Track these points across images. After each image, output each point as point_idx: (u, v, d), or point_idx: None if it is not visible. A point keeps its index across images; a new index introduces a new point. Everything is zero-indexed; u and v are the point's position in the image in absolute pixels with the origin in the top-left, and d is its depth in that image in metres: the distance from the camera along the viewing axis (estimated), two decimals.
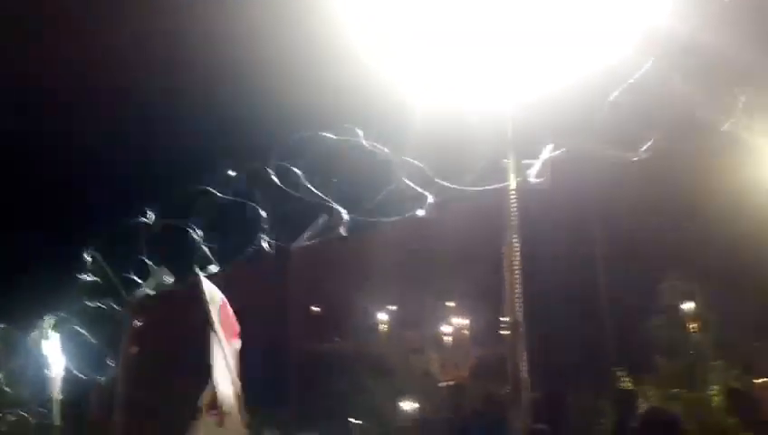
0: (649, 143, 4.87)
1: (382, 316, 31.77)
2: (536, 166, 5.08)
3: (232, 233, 6.66)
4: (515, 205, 6.70)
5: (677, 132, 5.68)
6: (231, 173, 6.32)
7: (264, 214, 6.36)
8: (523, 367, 6.31)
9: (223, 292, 6.47)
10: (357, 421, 24.67)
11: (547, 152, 5.07)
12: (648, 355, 17.23)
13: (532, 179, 5.15)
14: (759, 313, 16.59)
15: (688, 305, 18.29)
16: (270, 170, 5.99)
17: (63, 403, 11.12)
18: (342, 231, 6.08)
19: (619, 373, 16.15)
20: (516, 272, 6.56)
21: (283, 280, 6.67)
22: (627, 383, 15.35)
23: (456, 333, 31.78)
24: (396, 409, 25.41)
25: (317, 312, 25.19)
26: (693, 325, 17.67)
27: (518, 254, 6.59)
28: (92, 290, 7.77)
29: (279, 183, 6.00)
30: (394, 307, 31.31)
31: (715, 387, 16.46)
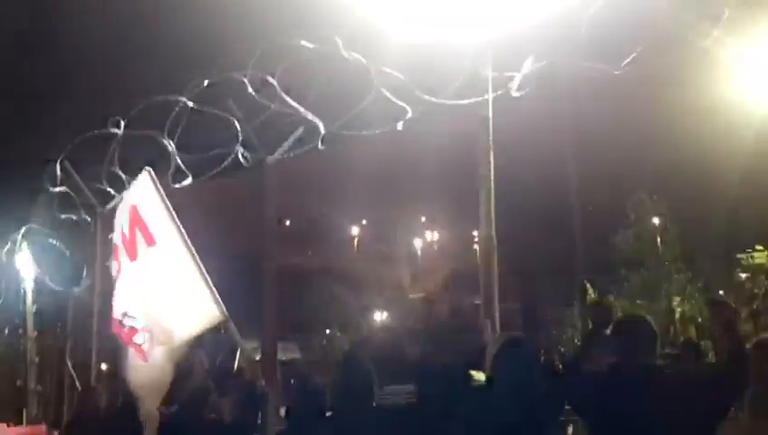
0: (631, 57, 4.83)
1: (354, 230, 32.06)
2: (517, 78, 5.02)
3: (207, 145, 6.54)
4: (491, 120, 6.68)
5: (657, 48, 5.64)
6: (206, 83, 6.14)
7: (239, 126, 6.24)
8: (495, 279, 6.46)
9: (197, 205, 6.42)
10: (329, 331, 25.30)
11: (528, 65, 5.00)
12: (614, 268, 17.77)
13: (514, 92, 5.10)
14: (722, 227, 17.07)
15: (655, 220, 18.74)
16: (246, 80, 5.83)
17: (38, 314, 11.17)
18: (319, 144, 6.01)
19: (587, 286, 16.66)
20: (491, 186, 6.62)
21: (258, 193, 6.60)
22: (593, 296, 15.86)
23: (428, 247, 32.30)
24: (368, 320, 26.06)
25: (289, 226, 25.32)
26: (658, 239, 18.16)
27: (492, 168, 6.62)
28: (64, 202, 7.65)
29: (255, 94, 5.85)
30: (366, 221, 31.58)
31: (676, 299, 17.11)
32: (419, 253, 32.87)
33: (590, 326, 3.71)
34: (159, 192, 4.90)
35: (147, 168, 5.08)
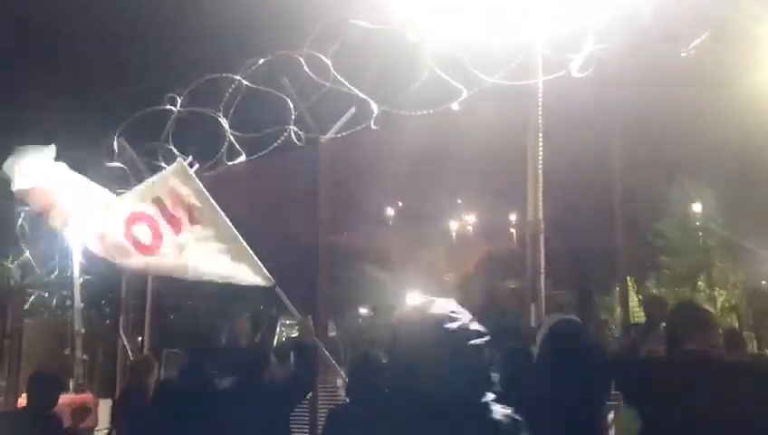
0: (698, 40, 4.75)
1: (390, 211, 32.10)
2: (578, 59, 4.97)
3: (260, 123, 6.63)
4: (541, 104, 6.66)
5: (713, 34, 5.53)
6: (261, 61, 6.20)
7: (292, 105, 6.30)
8: (541, 264, 6.47)
9: (248, 183, 6.53)
10: (365, 310, 25.47)
11: (589, 46, 4.95)
12: (655, 256, 17.55)
13: (575, 72, 5.05)
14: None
15: (697, 208, 18.44)
16: (302, 59, 5.88)
17: (86, 286, 11.46)
18: (372, 124, 6.05)
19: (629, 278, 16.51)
20: (539, 169, 6.60)
21: (309, 173, 6.67)
22: (634, 286, 15.69)
23: (463, 229, 32.20)
24: (402, 300, 26.13)
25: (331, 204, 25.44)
26: (701, 228, 17.90)
27: (541, 152, 6.60)
28: (119, 177, 7.81)
29: (310, 73, 5.90)
30: (401, 203, 31.59)
31: (719, 289, 16.88)
32: (455, 235, 32.83)
33: (646, 319, 3.73)
34: (195, 181, 5.08)
35: (179, 159, 5.29)
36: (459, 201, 32.43)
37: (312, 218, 6.85)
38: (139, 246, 5.23)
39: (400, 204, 31.98)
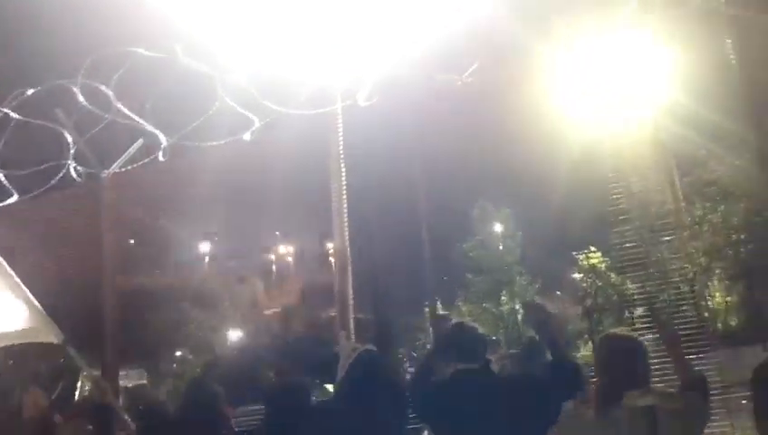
0: (472, 69, 4.99)
1: (204, 246, 31.00)
2: (364, 88, 5.03)
3: (33, 159, 5.97)
4: (341, 131, 6.69)
5: (496, 58, 5.88)
6: (30, 92, 5.61)
7: (70, 138, 5.76)
8: (349, 291, 6.44)
9: (24, 224, 5.87)
10: (180, 354, 24.20)
11: (373, 75, 5.02)
12: (461, 274, 18.51)
13: (362, 102, 5.09)
14: (559, 234, 18.25)
15: (498, 227, 19.75)
16: (76, 90, 5.39)
17: None
18: (161, 156, 5.68)
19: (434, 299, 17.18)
20: (343, 197, 6.61)
21: (95, 210, 6.12)
22: (439, 308, 16.36)
23: (283, 261, 31.91)
24: (222, 339, 25.20)
25: (132, 244, 23.97)
26: (501, 246, 19.14)
27: (344, 179, 6.63)
28: None
29: (86, 104, 5.42)
30: (216, 237, 30.65)
31: (518, 301, 18.11)
32: (274, 267, 32.42)
33: (433, 339, 3.80)
34: None
35: None
36: (277, 233, 32.17)
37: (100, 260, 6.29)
38: None
39: (216, 238, 31.04)
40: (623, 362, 2.99)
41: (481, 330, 3.60)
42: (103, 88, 5.47)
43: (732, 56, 6.40)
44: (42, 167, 5.80)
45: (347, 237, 6.58)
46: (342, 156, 6.67)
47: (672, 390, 3.12)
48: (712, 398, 2.81)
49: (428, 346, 3.77)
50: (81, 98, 5.41)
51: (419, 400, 3.42)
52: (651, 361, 3.18)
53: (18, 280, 4.55)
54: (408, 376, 3.96)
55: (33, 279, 4.91)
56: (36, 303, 4.60)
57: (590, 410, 3.14)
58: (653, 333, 3.52)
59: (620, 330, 3.29)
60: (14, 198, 6.04)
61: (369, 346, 4.04)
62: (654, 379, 4.03)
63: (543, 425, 3.21)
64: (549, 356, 3.40)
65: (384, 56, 5.06)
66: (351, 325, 6.30)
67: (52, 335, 4.57)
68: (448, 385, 3.29)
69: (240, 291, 28.66)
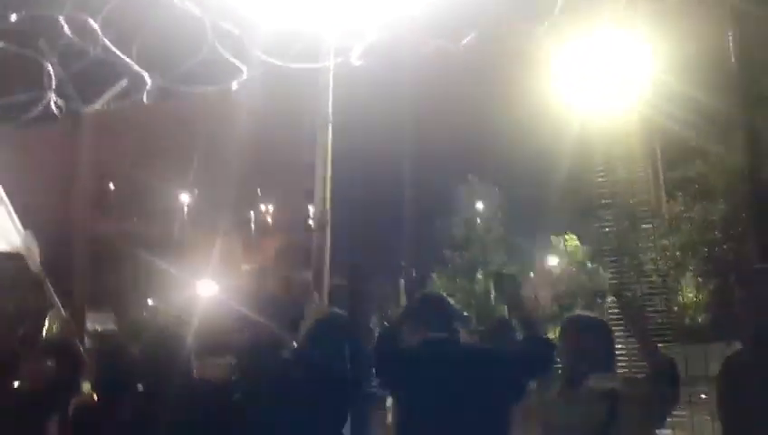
0: (469, 37, 4.91)
1: (184, 197, 30.74)
2: (359, 46, 4.93)
3: (12, 88, 5.81)
4: (331, 89, 6.57)
5: (494, 32, 5.80)
6: (13, 17, 5.42)
7: (51, 69, 5.60)
8: (327, 254, 6.40)
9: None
10: (152, 303, 24.12)
11: (371, 34, 4.93)
12: (439, 249, 18.57)
13: (355, 60, 5.00)
14: (540, 218, 18.33)
15: (481, 205, 19.76)
16: (62, 20, 5.23)
17: None
18: (144, 98, 5.56)
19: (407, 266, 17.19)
20: (328, 159, 6.53)
21: (73, 148, 5.97)
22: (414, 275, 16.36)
23: (262, 220, 31.78)
24: (195, 292, 25.12)
25: (110, 188, 23.73)
26: (483, 223, 19.17)
27: (330, 141, 6.54)
28: None
29: (73, 36, 5.27)
30: (196, 190, 30.40)
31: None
32: (253, 225, 32.28)
33: (404, 306, 3.78)
34: None
35: None
36: (258, 190, 31.97)
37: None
38: None
39: (196, 191, 30.78)
40: (587, 344, 2.99)
41: (452, 302, 3.60)
42: (91, 21, 5.32)
43: (727, 47, 6.38)
44: (21, 97, 5.66)
45: (328, 201, 6.52)
46: (330, 116, 6.57)
47: (639, 375, 3.14)
48: (679, 383, 2.82)
49: (397, 313, 3.74)
50: (67, 30, 5.26)
51: (384, 364, 3.41)
52: (618, 346, 3.19)
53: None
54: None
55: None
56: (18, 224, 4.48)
57: (553, 391, 3.14)
58: (622, 322, 3.51)
59: (586, 312, 3.28)
60: None
61: (337, 309, 4.03)
62: (622, 365, 4.06)
63: (508, 399, 3.22)
64: (518, 334, 3.39)
65: (381, 16, 4.96)
66: (326, 290, 6.28)
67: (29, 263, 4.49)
68: (415, 352, 3.28)
69: (216, 245, 28.54)
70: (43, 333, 5.00)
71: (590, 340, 3.02)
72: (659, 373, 2.81)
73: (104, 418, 3.51)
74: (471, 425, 3.08)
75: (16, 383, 4.08)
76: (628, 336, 3.89)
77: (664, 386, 2.81)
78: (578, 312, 3.33)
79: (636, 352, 3.17)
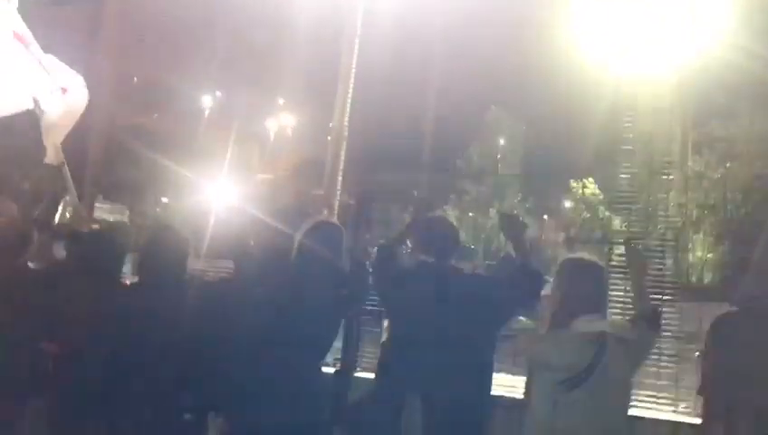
0: None
1: (206, 100, 30.58)
2: None
3: None
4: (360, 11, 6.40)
5: None
6: None
7: None
8: (339, 169, 6.37)
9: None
10: (165, 199, 24.40)
11: None
12: (454, 181, 18.46)
13: None
14: (561, 160, 18.09)
15: (502, 140, 19.53)
16: None
17: None
18: None
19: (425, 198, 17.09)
20: (351, 73, 6.41)
21: (95, 32, 5.84)
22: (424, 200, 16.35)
23: (282, 131, 31.65)
24: (208, 194, 25.31)
25: (134, 81, 23.60)
26: (501, 158, 19.03)
27: (355, 56, 6.41)
28: None
29: None
30: (219, 93, 30.19)
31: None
32: (272, 135, 32.19)
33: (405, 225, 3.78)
34: None
35: None
36: (281, 101, 31.70)
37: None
38: None
39: (218, 93, 30.58)
40: (580, 284, 2.99)
41: (454, 229, 3.59)
42: None
43: None
44: None
45: (347, 117, 6.44)
46: (358, 32, 6.42)
47: (626, 319, 3.15)
48: (660, 331, 2.86)
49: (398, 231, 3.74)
50: None
51: (378, 280, 3.44)
52: (610, 289, 3.20)
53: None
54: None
55: None
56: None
57: (541, 330, 3.17)
58: (625, 269, 3.50)
59: (583, 254, 3.26)
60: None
61: (334, 220, 4.04)
62: (616, 310, 4.08)
63: (492, 324, 3.27)
64: (519, 266, 3.39)
65: None
66: (336, 205, 6.28)
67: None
68: (404, 272, 3.32)
69: (235, 151, 28.55)
70: (56, 218, 5.05)
71: (582, 280, 3.02)
72: (643, 319, 2.84)
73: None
74: (454, 348, 3.13)
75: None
76: (625, 280, 3.91)
77: (645, 332, 2.84)
78: (576, 253, 3.31)
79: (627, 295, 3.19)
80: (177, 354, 3.20)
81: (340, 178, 6.49)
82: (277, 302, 3.21)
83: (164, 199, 24.50)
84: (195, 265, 4.18)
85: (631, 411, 3.25)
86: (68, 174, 4.49)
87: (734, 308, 2.79)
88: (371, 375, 4.09)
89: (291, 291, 3.23)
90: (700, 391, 2.71)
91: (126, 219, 16.49)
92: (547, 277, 3.38)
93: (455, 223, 4.65)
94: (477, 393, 3.30)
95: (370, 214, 5.61)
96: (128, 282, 3.80)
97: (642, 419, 4.33)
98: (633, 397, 3.11)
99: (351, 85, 6.52)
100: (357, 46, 6.42)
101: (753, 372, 2.50)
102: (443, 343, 3.13)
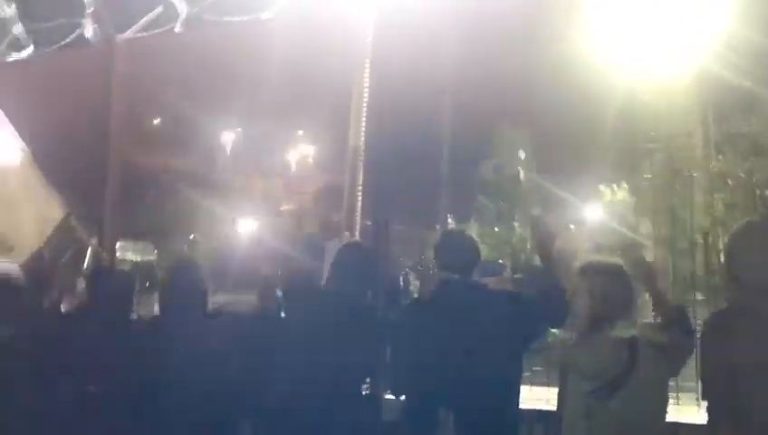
0: None
1: (227, 136, 30.95)
2: None
3: (49, 14, 5.81)
4: (372, 24, 6.40)
5: None
6: None
7: None
8: (358, 192, 6.34)
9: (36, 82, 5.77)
10: (194, 237, 24.59)
11: None
12: (474, 197, 18.39)
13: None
14: (582, 167, 17.92)
15: (517, 153, 19.44)
16: None
17: None
18: (178, 26, 5.49)
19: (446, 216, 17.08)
20: (364, 94, 6.41)
21: (108, 77, 5.94)
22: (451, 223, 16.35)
23: (303, 161, 31.89)
24: (234, 230, 25.52)
25: (153, 124, 23.99)
26: (518, 171, 18.91)
27: (367, 77, 6.40)
28: None
29: None
30: (239, 129, 30.55)
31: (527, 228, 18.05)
32: (294, 166, 32.43)
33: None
34: None
35: None
36: (300, 132, 31.97)
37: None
38: None
39: (239, 130, 30.92)
40: (609, 289, 2.91)
41: (473, 242, 3.54)
42: None
43: None
44: (56, 23, 5.65)
45: (362, 138, 6.42)
46: (370, 52, 6.42)
47: (655, 323, 3.07)
48: (692, 332, 2.78)
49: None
50: None
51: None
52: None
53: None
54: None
55: (38, 138, 4.83)
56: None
57: (572, 336, 3.08)
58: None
59: (608, 258, 3.18)
60: (30, 49, 5.93)
61: (359, 239, 4.02)
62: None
63: (516, 343, 3.19)
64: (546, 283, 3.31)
65: None
66: (357, 228, 6.24)
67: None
68: (434, 288, 3.28)
69: (257, 185, 28.80)
70: (84, 263, 5.13)
71: (612, 284, 2.94)
72: (671, 321, 2.76)
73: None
74: (477, 367, 3.05)
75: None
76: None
77: (677, 334, 2.76)
78: (601, 258, 3.21)
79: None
80: (219, 394, 3.17)
81: (359, 202, 6.46)
82: (315, 330, 3.18)
83: (191, 236, 24.72)
84: (216, 298, 4.17)
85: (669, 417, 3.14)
86: (80, 229, 4.58)
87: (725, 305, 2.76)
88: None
89: (329, 316, 3.20)
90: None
91: (153, 258, 16.63)
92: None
93: (475, 238, 4.60)
94: (506, 408, 3.23)
95: (390, 234, 5.58)
96: (145, 318, 3.80)
97: (679, 424, 4.17)
98: (670, 402, 3.00)
99: (365, 106, 6.50)
100: (368, 63, 6.40)
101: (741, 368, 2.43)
102: (462, 363, 3.07)
